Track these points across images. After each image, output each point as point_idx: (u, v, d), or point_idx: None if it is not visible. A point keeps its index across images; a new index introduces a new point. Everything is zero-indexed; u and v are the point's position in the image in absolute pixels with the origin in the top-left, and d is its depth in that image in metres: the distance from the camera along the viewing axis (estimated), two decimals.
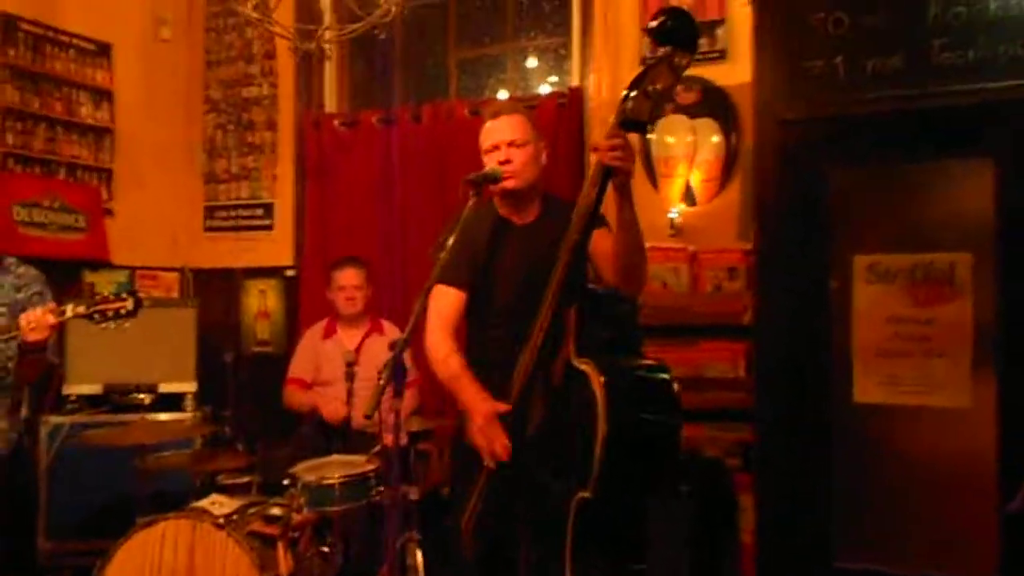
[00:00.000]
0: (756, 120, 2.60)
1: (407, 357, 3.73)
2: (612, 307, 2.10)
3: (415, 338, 3.74)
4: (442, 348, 2.28)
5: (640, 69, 3.46)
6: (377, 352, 3.77)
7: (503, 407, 2.06)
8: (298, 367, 3.88)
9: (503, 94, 4.44)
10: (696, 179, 3.70)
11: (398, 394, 1.90)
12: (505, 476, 2.04)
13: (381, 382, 1.84)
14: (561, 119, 3.94)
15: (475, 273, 2.31)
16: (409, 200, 4.24)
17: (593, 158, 2.02)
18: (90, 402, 3.81)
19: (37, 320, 2.41)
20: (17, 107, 3.92)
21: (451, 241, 2.06)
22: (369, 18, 3.12)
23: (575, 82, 4.03)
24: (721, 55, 3.65)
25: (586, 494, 1.85)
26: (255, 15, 3.13)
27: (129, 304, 2.48)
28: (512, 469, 2.02)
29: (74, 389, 3.80)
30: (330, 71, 4.60)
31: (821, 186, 2.47)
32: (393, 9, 3.32)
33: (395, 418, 1.90)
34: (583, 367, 1.89)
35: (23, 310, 2.64)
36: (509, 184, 2.25)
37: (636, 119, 1.90)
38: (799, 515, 2.56)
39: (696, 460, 3.21)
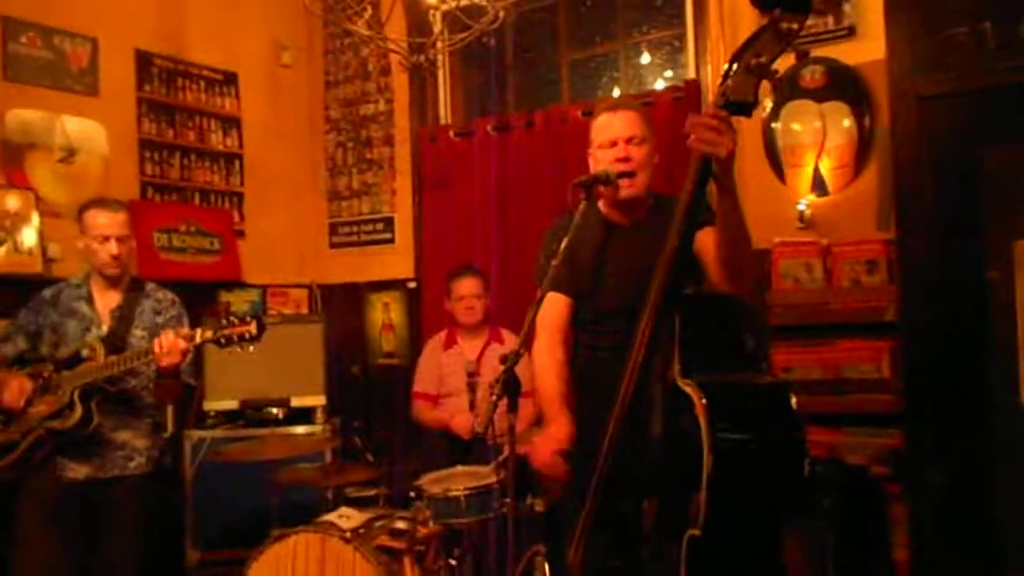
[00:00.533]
0: (891, 98, 2.37)
1: (528, 367, 3.73)
2: (721, 314, 1.90)
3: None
4: (543, 354, 2.25)
5: None
6: (496, 362, 3.73)
7: (564, 433, 2.02)
8: (422, 381, 3.90)
9: (616, 93, 4.32)
10: (826, 167, 3.46)
11: (512, 409, 1.83)
12: (613, 507, 1.92)
13: (493, 397, 1.79)
14: (678, 114, 3.78)
15: (578, 278, 2.22)
16: (525, 207, 4.19)
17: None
18: (228, 417, 3.97)
19: (169, 345, 2.52)
20: (154, 138, 4.14)
21: (563, 247, 1.96)
22: (476, 26, 3.09)
23: (691, 74, 3.87)
24: (849, 32, 3.40)
25: (695, 532, 1.68)
26: (367, 32, 3.16)
27: (253, 328, 2.55)
28: (619, 498, 1.90)
29: (213, 405, 3.96)
30: (443, 83, 4.63)
31: (971, 166, 2.22)
32: (500, 15, 3.28)
33: (510, 433, 1.83)
34: (687, 388, 1.71)
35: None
36: (628, 192, 2.15)
37: (739, 100, 1.69)
38: (961, 528, 2.31)
39: (838, 469, 2.98)
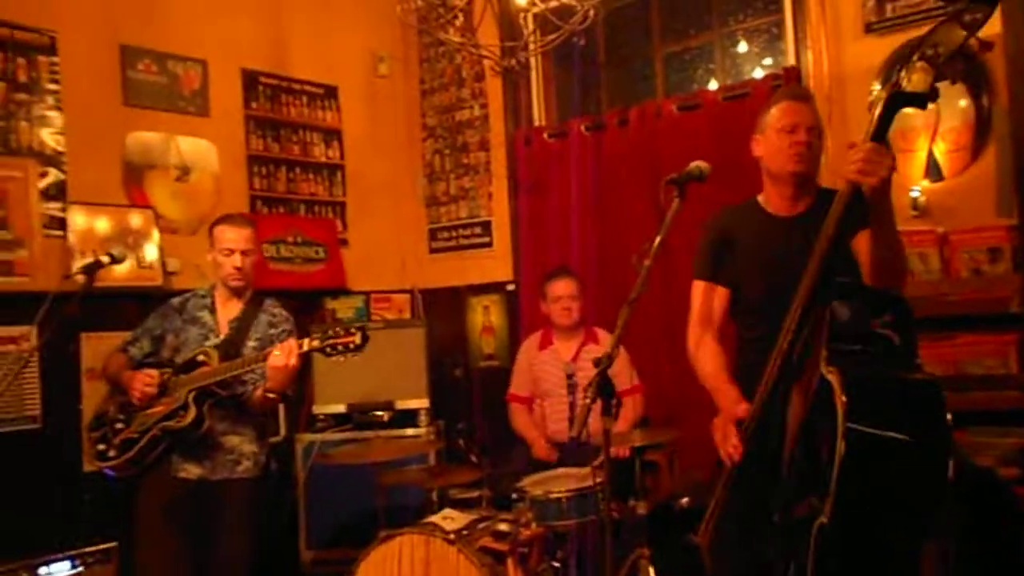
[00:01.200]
0: (1009, 71, 2.21)
1: (628, 366, 3.70)
2: (873, 305, 1.83)
3: (637, 347, 3.71)
4: (693, 345, 2.31)
5: (865, 39, 3.15)
6: (592, 363, 3.70)
7: (745, 408, 1.98)
8: (517, 383, 3.94)
9: (712, 85, 4.22)
10: (941, 151, 3.28)
11: (607, 412, 1.81)
12: (750, 489, 1.94)
13: (587, 400, 1.77)
14: None
15: (729, 268, 2.28)
16: (621, 206, 4.14)
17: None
18: (336, 421, 4.09)
19: (288, 348, 2.63)
20: (261, 153, 4.32)
21: (655, 246, 1.94)
22: (566, 26, 3.08)
23: (790, 61, 3.73)
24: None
25: (824, 520, 1.66)
26: (458, 39, 3.20)
27: (357, 339, 2.63)
28: (756, 481, 1.90)
29: (322, 409, 4.09)
30: (536, 85, 4.63)
31: None
32: (591, 14, 3.26)
33: (604, 439, 1.81)
34: (829, 376, 1.69)
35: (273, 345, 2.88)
36: (796, 167, 2.18)
37: (912, 91, 1.66)
38: None
39: (963, 471, 2.80)
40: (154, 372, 2.82)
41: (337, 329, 2.68)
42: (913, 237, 3.21)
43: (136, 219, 3.75)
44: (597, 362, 1.81)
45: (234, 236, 2.91)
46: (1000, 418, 2.96)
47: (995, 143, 3.12)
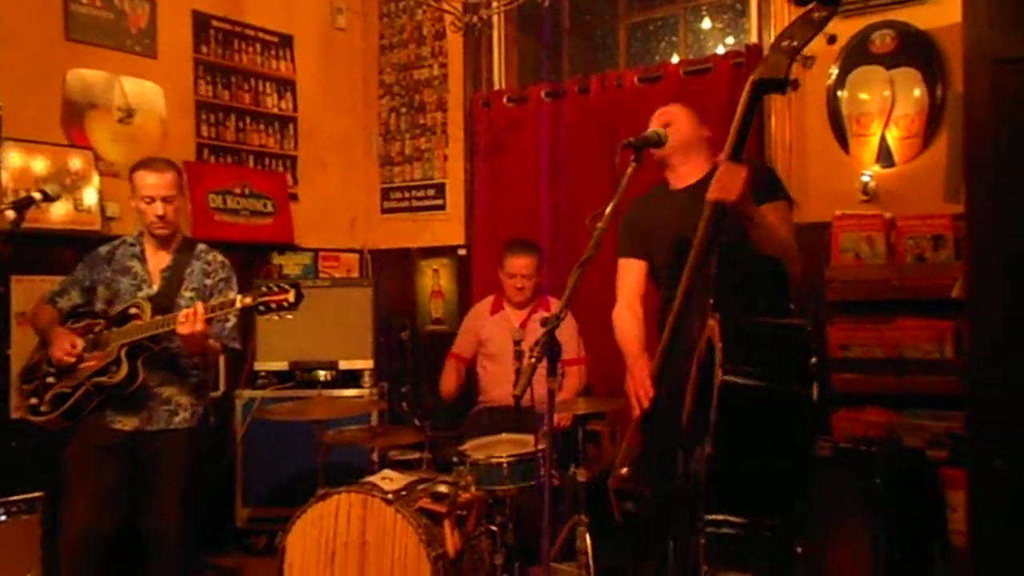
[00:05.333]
0: (967, 60, 2.23)
1: (575, 336, 3.70)
2: (751, 264, 2.04)
3: (584, 316, 3.71)
4: (619, 319, 2.57)
5: None
6: (541, 330, 3.70)
7: (652, 364, 2.19)
8: (459, 343, 3.94)
9: (675, 58, 4.20)
10: (893, 137, 3.32)
11: (552, 373, 1.80)
12: (657, 438, 2.15)
13: (532, 360, 1.76)
14: (739, 80, 3.65)
15: (644, 242, 2.51)
16: (579, 174, 4.12)
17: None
18: (278, 378, 4.02)
19: (189, 315, 2.55)
20: (210, 100, 4.18)
21: (608, 210, 1.93)
22: None
23: (753, 39, 3.73)
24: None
25: (710, 449, 1.82)
26: None
27: (291, 296, 2.57)
28: (662, 431, 2.08)
29: (264, 365, 4.01)
30: (498, 48, 4.55)
31: None
32: None
33: (548, 399, 1.80)
34: (711, 321, 1.90)
35: (211, 295, 2.80)
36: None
37: (771, 77, 1.88)
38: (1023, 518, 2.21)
39: (895, 451, 2.88)
40: (78, 342, 2.71)
41: (271, 286, 2.62)
42: (863, 221, 3.25)
43: (75, 160, 3.60)
44: (544, 321, 1.79)
45: (155, 182, 2.78)
46: (934, 402, 3.04)
47: (947, 131, 3.17)
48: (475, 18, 3.09)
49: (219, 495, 3.86)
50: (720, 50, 4.07)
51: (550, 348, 1.76)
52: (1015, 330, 2.20)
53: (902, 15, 3.27)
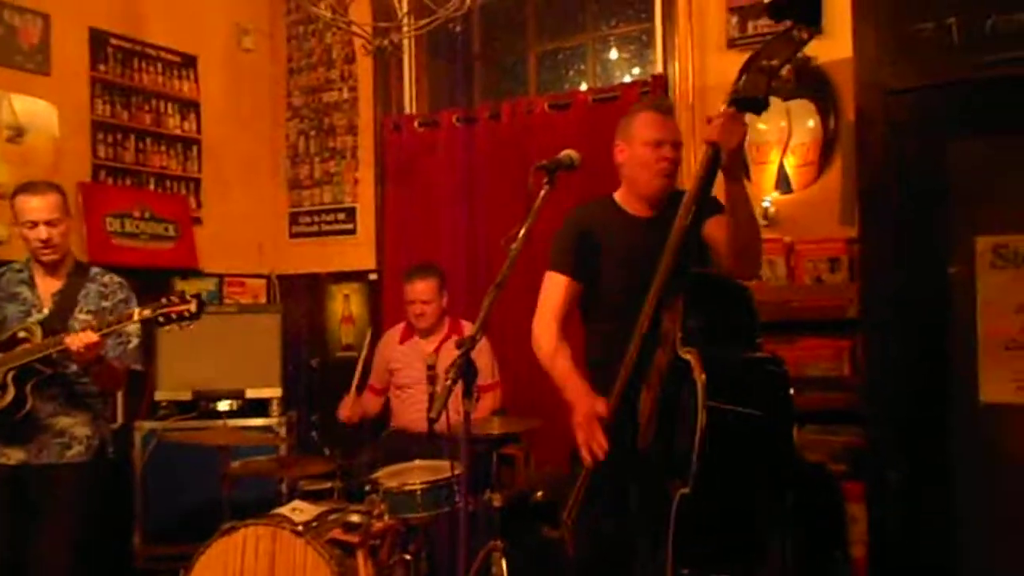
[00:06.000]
0: (858, 91, 2.36)
1: (490, 361, 3.70)
2: (723, 293, 2.02)
3: (498, 340, 3.72)
4: (548, 340, 2.28)
5: (728, 53, 3.36)
6: (454, 356, 3.68)
7: (604, 405, 2.03)
8: (372, 373, 3.87)
9: (583, 86, 4.29)
10: (791, 164, 3.47)
11: (467, 395, 1.78)
12: (610, 471, 2.00)
13: (448, 382, 1.74)
14: None
15: (588, 264, 2.30)
16: (491, 198, 4.14)
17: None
18: (180, 408, 3.85)
19: (79, 341, 2.44)
20: (108, 120, 4.02)
21: (522, 232, 1.94)
22: (442, 11, 3.03)
23: (658, 69, 3.84)
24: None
25: (685, 490, 1.79)
26: (328, 14, 3.09)
27: (192, 307, 2.49)
28: (616, 464, 1.98)
29: (165, 395, 3.85)
30: (408, 72, 4.55)
31: (935, 161, 2.22)
32: (467, 2, 3.23)
33: (464, 421, 1.79)
34: (687, 356, 1.83)
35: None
36: (662, 184, 2.27)
37: (750, 95, 1.86)
38: (919, 528, 2.31)
39: (797, 465, 2.97)
40: None
41: (172, 297, 2.54)
42: (764, 245, 3.36)
43: None
44: (460, 343, 1.78)
45: (37, 205, 2.66)
46: (833, 417, 3.16)
47: (840, 160, 3.34)
48: (386, 42, 3.08)
49: (115, 532, 3.65)
50: (627, 79, 4.18)
51: (466, 370, 1.74)
52: (909, 346, 2.31)
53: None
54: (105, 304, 2.75)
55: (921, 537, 2.28)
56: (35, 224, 2.65)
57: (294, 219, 4.76)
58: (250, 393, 3.91)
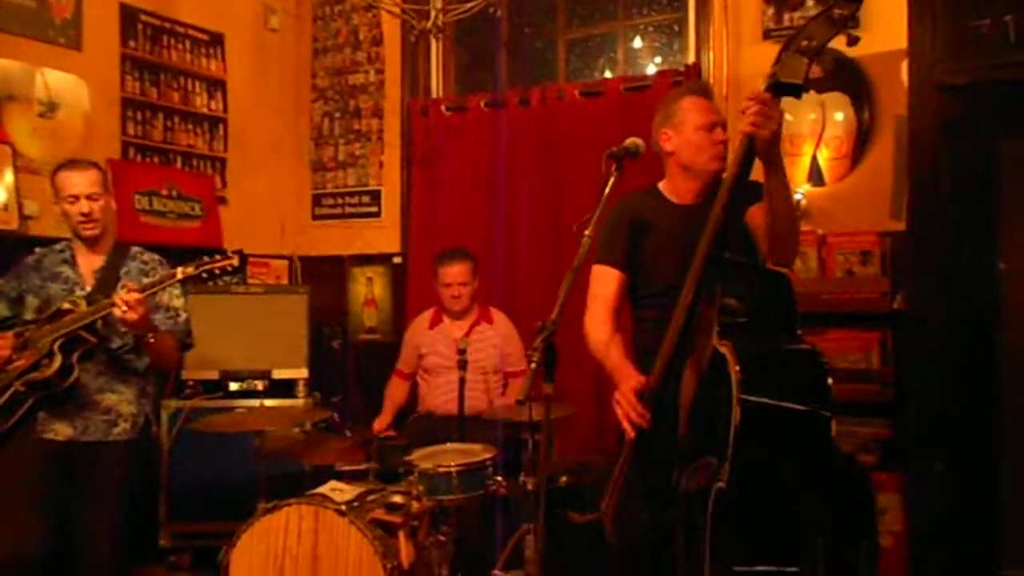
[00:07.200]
0: (912, 87, 2.38)
1: (520, 348, 3.72)
2: (759, 281, 1.97)
3: (531, 328, 3.74)
4: (600, 330, 2.28)
5: (763, 44, 3.35)
6: (486, 341, 3.71)
7: (644, 379, 2.02)
8: (401, 358, 3.92)
9: (608, 75, 4.29)
10: (824, 157, 3.49)
11: (549, 379, 1.80)
12: (650, 457, 2.00)
13: (533, 365, 1.76)
14: None
15: (635, 254, 2.30)
16: (517, 185, 4.15)
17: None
18: (206, 387, 3.86)
19: (127, 299, 2.43)
20: (138, 97, 4.00)
21: (595, 218, 1.95)
22: None
23: (690, 59, 3.85)
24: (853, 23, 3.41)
25: (721, 484, 1.77)
26: None
27: (235, 260, 2.52)
28: (657, 450, 1.96)
29: (192, 375, 3.85)
30: (436, 56, 4.54)
31: (988, 158, 2.24)
32: None
33: (546, 401, 1.81)
34: (722, 349, 1.80)
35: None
36: (720, 165, 2.25)
37: (788, 81, 1.80)
38: (959, 518, 2.35)
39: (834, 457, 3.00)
40: (8, 334, 2.56)
41: (214, 255, 2.56)
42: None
43: None
44: (541, 327, 1.79)
45: (78, 180, 2.67)
46: (862, 409, 3.20)
47: (874, 153, 3.36)
48: (430, 24, 3.07)
49: (140, 509, 3.66)
50: (651, 70, 4.18)
51: (549, 354, 1.76)
52: (954, 340, 2.34)
53: (832, 43, 3.44)
54: (146, 281, 2.74)
55: (965, 527, 2.32)
56: (76, 198, 2.65)
57: (317, 201, 4.75)
58: (277, 374, 3.91)
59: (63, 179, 2.68)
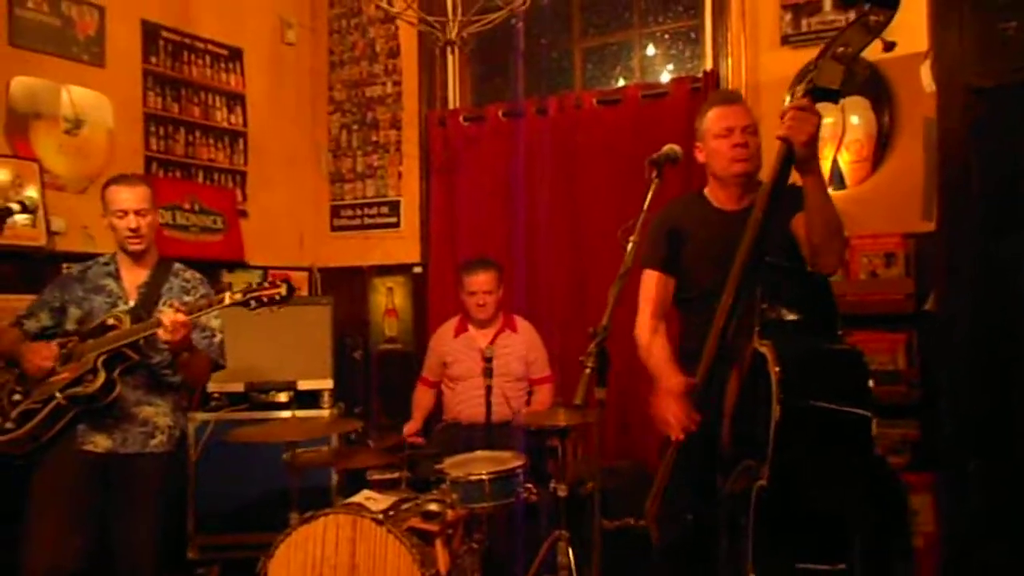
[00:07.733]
0: (941, 89, 2.40)
1: (544, 354, 3.75)
2: (800, 284, 1.99)
3: (552, 336, 3.78)
4: (643, 331, 2.36)
5: (781, 50, 3.41)
6: (511, 349, 3.72)
7: (689, 380, 2.05)
8: (426, 366, 3.95)
9: (621, 82, 4.32)
10: (844, 161, 3.51)
11: (601, 383, 1.82)
12: (694, 460, 2.02)
13: (587, 370, 1.78)
14: (694, 105, 3.78)
15: (678, 258, 2.36)
16: (536, 193, 4.17)
17: None
18: (232, 400, 3.88)
19: (172, 320, 2.46)
20: (160, 113, 4.04)
21: (639, 224, 1.97)
22: (509, 5, 3.06)
23: (708, 66, 3.87)
24: None
25: (763, 483, 1.79)
26: (393, 9, 3.11)
27: (283, 290, 2.52)
28: (700, 452, 1.99)
29: (217, 387, 3.87)
30: (452, 67, 4.57)
31: (1017, 159, 2.26)
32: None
33: (599, 406, 1.83)
34: (763, 349, 1.82)
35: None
36: (740, 168, 2.28)
37: (825, 87, 1.83)
38: (993, 518, 2.35)
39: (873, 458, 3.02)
40: (53, 345, 2.60)
41: (261, 282, 2.58)
42: None
43: (19, 172, 3.40)
44: (593, 333, 1.82)
45: (128, 196, 2.70)
46: (890, 411, 3.21)
47: (895, 156, 3.38)
48: (454, 35, 3.10)
49: (170, 523, 3.68)
50: (665, 77, 4.20)
51: (602, 358, 1.78)
52: (983, 341, 2.35)
53: (868, 49, 3.47)
54: (187, 299, 2.77)
55: (999, 527, 2.33)
56: (125, 213, 2.68)
57: (336, 212, 4.78)
58: (302, 385, 3.93)
59: (113, 193, 2.71)
